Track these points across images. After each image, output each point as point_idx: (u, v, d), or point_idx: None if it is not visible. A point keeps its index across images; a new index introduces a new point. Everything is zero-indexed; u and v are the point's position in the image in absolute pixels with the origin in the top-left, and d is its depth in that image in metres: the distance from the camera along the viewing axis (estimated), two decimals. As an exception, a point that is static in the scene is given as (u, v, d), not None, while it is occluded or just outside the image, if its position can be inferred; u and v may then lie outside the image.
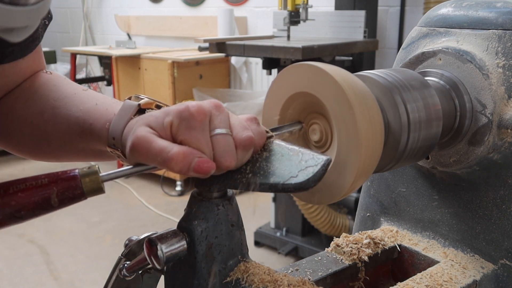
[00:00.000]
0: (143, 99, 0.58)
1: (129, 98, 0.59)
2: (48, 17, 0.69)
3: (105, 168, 0.49)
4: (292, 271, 0.63)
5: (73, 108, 0.65)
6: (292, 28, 2.74)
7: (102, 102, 0.64)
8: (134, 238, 0.59)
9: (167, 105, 0.58)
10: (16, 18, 0.43)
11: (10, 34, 0.45)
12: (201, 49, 2.68)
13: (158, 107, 0.59)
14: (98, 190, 0.47)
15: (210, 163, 0.47)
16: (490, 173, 0.63)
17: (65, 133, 0.65)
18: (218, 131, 0.48)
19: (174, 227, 0.53)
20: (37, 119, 0.67)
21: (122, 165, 3.81)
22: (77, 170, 0.47)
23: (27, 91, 0.69)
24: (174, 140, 0.48)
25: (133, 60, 3.90)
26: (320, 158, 0.47)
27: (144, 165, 0.49)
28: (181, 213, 0.54)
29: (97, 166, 0.47)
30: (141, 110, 0.57)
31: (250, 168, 0.50)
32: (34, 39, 0.67)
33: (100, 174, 0.47)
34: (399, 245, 0.70)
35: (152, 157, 0.47)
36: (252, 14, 4.00)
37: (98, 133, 0.61)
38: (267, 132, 0.52)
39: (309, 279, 0.59)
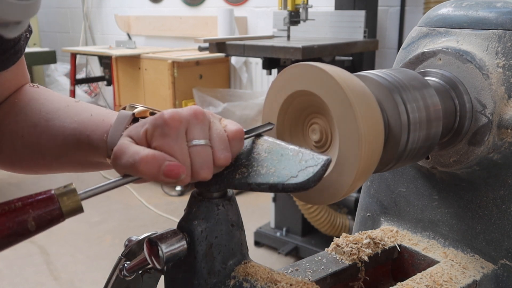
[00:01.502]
0: (137, 107, 0.59)
1: (124, 108, 0.59)
2: (29, 30, 0.69)
3: (84, 179, 0.47)
4: (292, 271, 0.63)
5: (67, 119, 0.65)
6: (292, 28, 2.74)
7: (97, 113, 0.64)
8: (134, 238, 0.59)
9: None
10: (14, 12, 0.43)
11: (5, 29, 0.45)
12: (201, 49, 2.68)
13: (153, 114, 0.59)
14: (77, 209, 0.45)
15: (180, 167, 0.46)
16: (490, 173, 0.63)
17: (61, 145, 0.65)
18: (196, 142, 0.48)
19: (174, 227, 0.53)
20: (29, 133, 0.66)
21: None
22: (52, 190, 0.44)
23: (16, 105, 0.69)
24: (149, 147, 0.48)
25: (133, 60, 3.90)
26: (320, 158, 0.47)
27: (126, 177, 0.48)
28: (181, 213, 0.54)
29: (73, 184, 0.45)
30: (136, 119, 0.57)
31: (250, 168, 0.50)
32: (16, 51, 0.67)
33: (79, 192, 0.45)
34: (399, 245, 0.70)
35: (126, 162, 0.47)
36: (252, 14, 4.00)
37: (96, 145, 0.61)
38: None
39: (309, 279, 0.59)
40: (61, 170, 0.70)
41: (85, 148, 0.63)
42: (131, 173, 0.48)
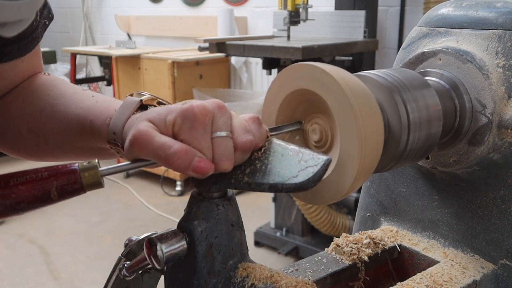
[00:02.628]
0: (145, 95, 0.58)
1: (131, 95, 0.59)
2: (49, 17, 0.69)
3: (105, 165, 0.49)
4: (292, 271, 0.63)
5: (72, 106, 0.65)
6: (292, 28, 2.74)
7: (103, 100, 0.64)
8: (134, 238, 0.59)
9: (169, 102, 0.58)
10: (10, 13, 0.43)
11: (3, 29, 0.45)
12: (201, 49, 2.68)
13: (160, 104, 0.59)
14: (97, 184, 0.47)
15: (209, 164, 0.47)
16: (490, 173, 0.63)
17: (64, 131, 0.65)
18: (219, 133, 0.48)
19: (174, 227, 0.53)
20: (35, 118, 0.67)
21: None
22: (77, 164, 0.47)
23: (24, 91, 0.69)
24: (175, 138, 0.48)
25: (133, 60, 3.90)
26: (320, 158, 0.47)
27: (144, 161, 0.49)
28: (181, 213, 0.54)
29: (97, 160, 0.48)
30: (143, 106, 0.57)
31: (250, 168, 0.50)
32: (33, 39, 0.66)
33: (100, 169, 0.47)
34: (399, 245, 0.70)
35: (152, 152, 0.47)
36: (252, 14, 4.00)
37: (98, 129, 0.61)
38: (267, 131, 0.52)
39: (309, 279, 0.59)
40: (64, 157, 0.70)
41: (87, 134, 0.62)
42: (159, 162, 0.48)
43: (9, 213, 0.45)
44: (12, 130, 0.69)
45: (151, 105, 0.58)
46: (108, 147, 0.59)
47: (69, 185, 0.46)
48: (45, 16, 0.67)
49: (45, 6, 0.67)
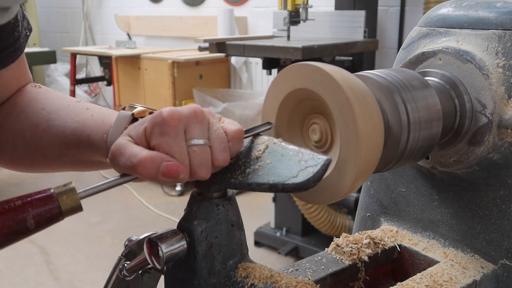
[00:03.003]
0: (136, 107, 0.59)
1: (124, 108, 0.60)
2: (29, 28, 0.69)
3: (84, 179, 0.47)
4: (292, 271, 0.63)
5: (68, 119, 0.65)
6: (292, 28, 2.74)
7: (98, 113, 0.64)
8: (134, 238, 0.59)
9: None
10: None
11: None
12: (201, 49, 2.68)
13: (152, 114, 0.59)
14: (76, 208, 0.45)
15: (179, 167, 0.46)
16: (490, 173, 0.63)
17: (62, 145, 0.65)
18: (195, 141, 0.48)
19: (174, 227, 0.53)
20: (30, 132, 0.67)
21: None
22: (52, 189, 0.44)
23: (17, 105, 0.69)
24: (148, 146, 0.48)
25: (133, 60, 3.90)
26: (320, 158, 0.47)
27: (125, 177, 0.48)
28: (181, 213, 0.54)
29: (72, 183, 0.45)
30: (135, 119, 0.58)
31: (250, 168, 0.50)
32: (16, 49, 0.67)
33: (78, 191, 0.45)
34: (399, 245, 0.70)
35: (123, 163, 0.47)
36: (252, 14, 4.00)
37: (96, 145, 0.61)
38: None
39: (309, 279, 0.59)
40: (62, 169, 0.70)
41: (85, 148, 0.63)
42: (130, 173, 0.48)
43: None
44: (8, 145, 0.69)
45: (143, 117, 0.58)
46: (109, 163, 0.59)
47: (46, 212, 0.43)
48: (25, 27, 0.68)
49: (24, 17, 0.68)
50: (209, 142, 0.49)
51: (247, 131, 0.53)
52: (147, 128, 0.48)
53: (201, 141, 0.48)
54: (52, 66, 5.13)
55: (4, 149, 0.70)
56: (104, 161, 0.62)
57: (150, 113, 0.59)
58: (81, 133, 0.63)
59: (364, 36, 2.84)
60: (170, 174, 0.46)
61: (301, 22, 2.64)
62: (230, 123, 0.52)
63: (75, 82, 4.41)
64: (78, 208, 0.45)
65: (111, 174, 4.06)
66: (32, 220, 0.43)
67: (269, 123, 0.56)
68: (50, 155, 0.67)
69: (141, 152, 0.46)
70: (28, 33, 0.69)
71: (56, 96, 0.70)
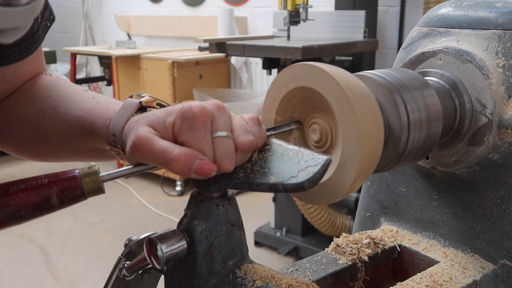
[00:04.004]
0: (144, 97, 0.58)
1: (131, 97, 0.59)
2: (50, 19, 0.68)
3: (106, 168, 0.48)
4: (292, 271, 0.63)
5: (73, 107, 0.65)
6: (292, 28, 2.74)
7: (103, 101, 0.64)
8: (134, 238, 0.59)
9: (168, 104, 0.58)
10: (8, 19, 0.43)
11: (1, 36, 0.44)
12: (201, 49, 2.68)
13: (160, 105, 0.59)
14: (98, 190, 0.47)
15: (211, 165, 0.47)
16: (490, 173, 0.63)
17: (65, 132, 0.65)
18: (219, 133, 0.48)
19: (174, 227, 0.53)
20: (37, 119, 0.67)
21: (122, 165, 3.77)
22: (77, 170, 0.46)
23: (27, 92, 0.69)
24: (175, 140, 0.48)
25: (133, 60, 3.90)
26: (320, 158, 0.47)
27: (145, 165, 0.49)
28: (181, 213, 0.54)
29: (97, 166, 0.47)
30: (142, 108, 0.57)
31: (250, 168, 0.50)
32: (34, 41, 0.66)
33: (100, 174, 0.47)
34: (399, 245, 0.70)
35: (153, 158, 0.47)
36: (252, 14, 4.00)
37: (98, 131, 0.61)
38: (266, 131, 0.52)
39: (309, 279, 0.59)
40: (66, 158, 0.70)
41: (88, 135, 0.63)
42: (161, 167, 0.48)
43: (9, 221, 0.44)
44: (15, 131, 0.69)
45: (150, 107, 0.58)
46: (109, 148, 0.59)
47: (70, 191, 0.45)
48: (46, 17, 0.67)
49: (47, 8, 0.67)
50: (231, 134, 0.49)
51: (272, 129, 0.54)
52: (176, 122, 0.48)
53: (224, 133, 0.48)
54: (52, 66, 5.13)
55: (11, 135, 0.70)
56: (106, 150, 0.62)
57: (158, 104, 0.59)
58: (85, 120, 0.63)
59: (364, 36, 2.84)
60: (202, 172, 0.46)
61: (301, 22, 2.64)
62: (246, 115, 0.53)
63: (75, 82, 4.41)
64: (99, 190, 0.47)
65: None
66: (56, 199, 0.45)
67: (298, 121, 0.56)
68: (55, 143, 0.67)
69: (174, 149, 0.46)
70: (48, 24, 0.68)
71: (65, 85, 0.70)
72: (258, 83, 4.01)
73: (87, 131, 0.62)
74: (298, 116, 0.57)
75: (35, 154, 0.72)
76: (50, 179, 0.45)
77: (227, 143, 0.48)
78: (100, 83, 4.97)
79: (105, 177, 0.47)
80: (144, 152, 0.47)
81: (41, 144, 0.68)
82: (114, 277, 0.58)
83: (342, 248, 0.66)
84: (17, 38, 0.47)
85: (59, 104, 0.66)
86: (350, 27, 2.88)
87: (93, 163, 0.50)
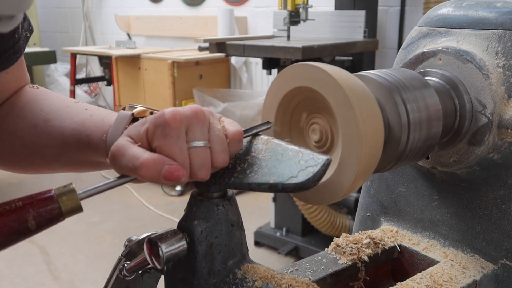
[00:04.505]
0: (136, 107, 0.59)
1: (124, 108, 0.59)
2: (30, 29, 0.69)
3: (84, 179, 0.47)
4: (292, 271, 0.63)
5: (67, 120, 0.65)
6: (292, 28, 2.74)
7: (97, 114, 0.64)
8: (134, 238, 0.59)
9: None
10: (4, 6, 0.43)
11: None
12: (201, 49, 2.68)
13: (152, 114, 0.58)
14: (76, 209, 0.45)
15: (180, 170, 0.46)
16: (490, 173, 0.63)
17: (60, 145, 0.65)
18: (196, 143, 0.48)
19: (174, 227, 0.53)
20: (28, 133, 0.66)
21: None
22: (52, 191, 0.45)
23: (15, 106, 0.69)
24: (149, 147, 0.48)
25: (133, 60, 3.90)
26: (320, 158, 0.47)
27: (126, 177, 0.49)
28: (181, 213, 0.54)
29: (72, 184, 0.46)
30: (135, 119, 0.57)
31: (250, 168, 0.50)
32: (16, 51, 0.66)
33: (78, 192, 0.46)
34: (399, 245, 0.70)
35: (124, 165, 0.47)
36: (252, 14, 4.00)
37: (95, 145, 0.61)
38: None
39: (309, 279, 0.59)
40: (61, 170, 0.70)
41: (84, 149, 0.63)
42: (131, 175, 0.48)
43: None
44: (6, 146, 0.69)
45: (143, 117, 0.58)
46: (108, 162, 0.59)
47: (46, 212, 0.44)
48: (25, 28, 0.67)
49: (25, 19, 0.67)
50: (209, 144, 0.49)
51: (246, 131, 0.53)
52: (149, 129, 0.48)
53: (201, 143, 0.48)
54: (52, 66, 5.13)
55: (1, 151, 0.69)
56: (103, 162, 0.62)
57: (151, 113, 0.59)
58: (80, 133, 0.63)
59: (364, 36, 2.84)
60: (171, 177, 0.46)
61: (301, 22, 2.64)
62: (230, 124, 0.52)
63: (75, 82, 4.41)
64: (78, 209, 0.45)
65: (111, 175, 4.06)
66: (33, 221, 0.43)
67: (268, 122, 0.56)
68: (49, 156, 0.67)
69: (143, 155, 0.46)
70: (28, 35, 0.68)
71: (54, 97, 0.70)
72: (258, 83, 4.01)
73: (83, 145, 0.62)
74: (298, 116, 0.57)
75: (27, 168, 0.71)
76: (24, 201, 0.43)
77: (203, 153, 0.48)
78: (100, 83, 4.97)
79: (83, 195, 0.46)
80: (117, 159, 0.47)
81: (33, 157, 0.68)
82: (114, 277, 0.58)
83: (342, 248, 0.66)
84: (10, 29, 0.47)
85: (52, 117, 0.66)
86: (350, 27, 2.88)
87: (67, 182, 0.49)
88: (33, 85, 0.74)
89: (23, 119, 0.67)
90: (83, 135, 0.62)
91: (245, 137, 0.53)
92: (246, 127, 0.54)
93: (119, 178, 0.49)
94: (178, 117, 0.47)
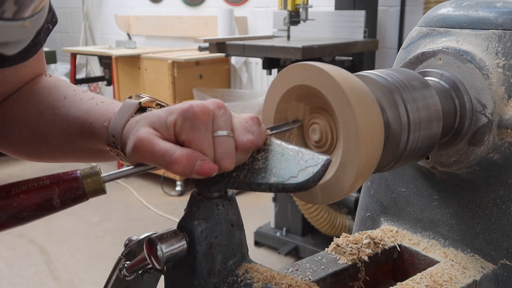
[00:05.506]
0: (144, 97, 0.58)
1: (130, 97, 0.59)
2: (53, 21, 0.68)
3: (107, 169, 0.48)
4: (292, 271, 0.63)
5: (73, 108, 0.65)
6: (292, 28, 2.74)
7: (102, 102, 0.64)
8: (134, 238, 0.59)
9: (167, 104, 0.58)
10: (12, 33, 0.43)
11: (5, 48, 0.44)
12: (201, 49, 2.68)
13: (159, 105, 0.58)
14: (99, 191, 0.47)
15: (212, 165, 0.47)
16: (490, 173, 0.63)
17: (65, 133, 0.65)
18: (220, 132, 0.48)
19: (174, 227, 0.53)
20: (36, 120, 0.67)
21: (122, 165, 3.76)
22: (78, 171, 0.47)
23: (26, 93, 0.69)
24: (176, 139, 0.48)
25: (133, 60, 3.90)
26: (320, 158, 0.47)
27: (145, 165, 0.49)
28: (181, 213, 0.54)
29: (98, 167, 0.47)
30: (142, 109, 0.57)
31: (250, 168, 0.50)
32: (36, 44, 0.66)
33: (102, 175, 0.47)
34: (399, 245, 0.70)
35: (154, 160, 0.47)
36: (252, 14, 4.00)
37: (97, 132, 0.61)
38: (267, 131, 0.52)
39: (309, 279, 0.59)
40: (65, 159, 0.71)
41: (87, 136, 0.63)
42: (162, 168, 0.48)
43: (12, 223, 0.44)
44: (14, 132, 0.69)
45: (150, 107, 0.58)
46: (108, 149, 0.59)
47: (71, 192, 0.46)
48: (48, 20, 0.67)
49: (50, 11, 0.67)
50: (232, 133, 0.49)
51: (273, 128, 0.54)
52: (177, 121, 0.48)
53: (225, 132, 0.48)
54: (52, 66, 5.13)
55: (10, 136, 0.70)
56: (105, 150, 0.62)
57: (157, 104, 0.59)
58: (84, 121, 0.63)
59: (364, 36, 2.84)
60: (204, 172, 0.46)
61: (301, 22, 2.64)
62: (246, 114, 0.53)
63: (75, 82, 4.41)
64: (101, 191, 0.47)
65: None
66: (58, 199, 0.45)
67: (298, 120, 0.57)
68: (54, 143, 0.67)
69: (176, 151, 0.46)
70: (50, 27, 0.68)
71: (64, 85, 0.70)
72: (258, 83, 4.01)
73: (86, 132, 0.62)
74: (298, 116, 0.57)
75: (33, 155, 0.72)
76: (51, 180, 0.45)
77: (227, 142, 0.48)
78: (100, 83, 4.96)
79: (106, 178, 0.47)
80: (145, 153, 0.47)
81: (40, 145, 0.68)
82: (114, 277, 0.58)
83: (342, 248, 0.66)
84: (20, 49, 0.47)
85: (58, 105, 0.66)
86: (350, 27, 2.88)
87: (94, 164, 0.50)
88: (48, 74, 0.74)
89: (32, 106, 0.68)
90: (86, 123, 0.62)
91: (272, 133, 0.53)
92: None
93: (136, 166, 0.50)
94: (206, 110, 0.48)
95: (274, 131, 0.54)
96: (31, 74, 0.71)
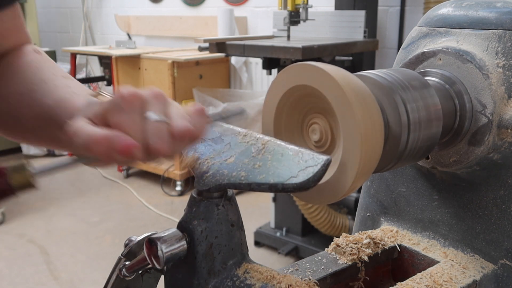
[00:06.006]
0: (104, 95, 0.59)
1: (96, 95, 0.60)
2: None
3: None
4: (292, 271, 0.63)
5: (48, 94, 0.65)
6: (292, 28, 2.74)
7: (75, 93, 0.64)
8: (134, 238, 0.59)
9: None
10: None
11: None
12: (201, 49, 2.68)
13: None
14: (28, 185, 0.45)
15: (131, 141, 0.45)
16: (490, 173, 0.63)
17: (38, 118, 0.65)
18: (151, 116, 0.47)
19: (174, 227, 0.53)
20: (15, 100, 0.67)
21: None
22: (5, 166, 0.45)
23: (11, 67, 0.69)
24: (106, 125, 0.47)
25: (133, 60, 3.90)
26: (320, 158, 0.47)
27: (80, 158, 0.47)
28: (181, 213, 0.54)
29: (27, 161, 0.45)
30: None
31: (250, 168, 0.50)
32: None
33: (30, 169, 0.45)
34: (399, 245, 0.70)
35: (79, 144, 0.46)
36: (252, 14, 4.00)
37: (63, 124, 0.61)
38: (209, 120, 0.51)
39: (309, 279, 0.59)
40: (36, 143, 0.71)
41: (55, 126, 0.63)
42: (87, 154, 0.46)
43: None
44: None
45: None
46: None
47: None
48: None
49: None
50: (167, 119, 0.48)
51: (216, 115, 0.53)
52: (106, 106, 0.47)
53: (156, 117, 0.47)
54: (52, 66, 5.13)
55: None
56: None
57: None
58: (54, 111, 0.63)
59: (364, 36, 2.84)
60: (123, 151, 0.45)
61: (301, 22, 2.64)
62: (190, 106, 0.51)
63: (75, 82, 4.40)
64: (30, 186, 0.45)
65: (110, 174, 4.06)
66: None
67: (243, 109, 0.55)
68: (27, 126, 0.67)
69: (96, 131, 0.45)
70: None
71: (46, 67, 0.70)
72: (258, 83, 4.01)
73: (54, 122, 0.63)
74: (298, 116, 0.57)
75: (8, 132, 0.72)
76: None
77: (159, 127, 0.47)
78: (100, 83, 4.96)
79: (35, 172, 0.45)
80: (73, 139, 0.47)
81: (14, 124, 0.69)
82: (114, 277, 0.58)
83: (342, 248, 0.66)
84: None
85: (36, 88, 0.66)
86: (350, 27, 2.88)
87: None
88: (37, 48, 0.73)
89: (13, 84, 0.68)
90: (55, 113, 0.62)
91: (214, 120, 0.52)
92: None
93: (75, 157, 0.48)
94: (134, 93, 0.47)
95: (217, 120, 0.52)
96: (9, 31, 0.70)
